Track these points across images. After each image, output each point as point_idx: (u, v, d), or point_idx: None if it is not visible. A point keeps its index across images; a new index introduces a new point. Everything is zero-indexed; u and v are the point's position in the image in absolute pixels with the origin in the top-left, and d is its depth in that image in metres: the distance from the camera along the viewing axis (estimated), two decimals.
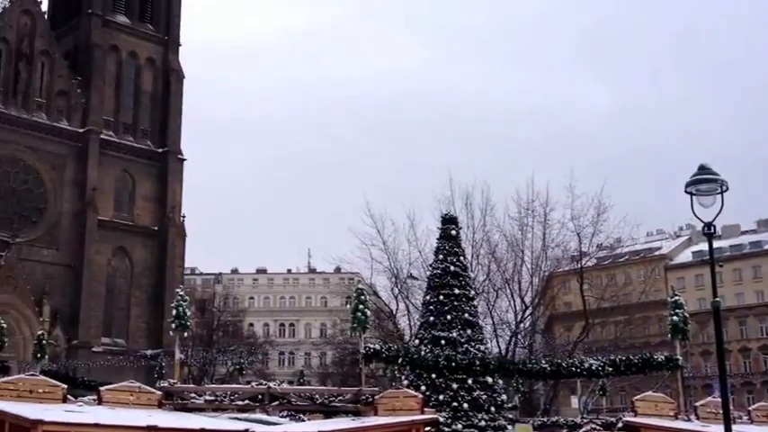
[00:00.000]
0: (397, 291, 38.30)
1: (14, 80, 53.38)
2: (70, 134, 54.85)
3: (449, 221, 25.43)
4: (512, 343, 36.48)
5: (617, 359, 22.06)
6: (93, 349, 52.35)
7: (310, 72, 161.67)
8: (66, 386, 17.06)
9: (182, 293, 23.63)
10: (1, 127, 51.96)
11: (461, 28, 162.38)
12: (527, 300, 36.95)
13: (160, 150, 58.54)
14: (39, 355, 37.88)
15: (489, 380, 22.59)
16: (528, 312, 37.55)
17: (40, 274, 52.13)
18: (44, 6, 57.24)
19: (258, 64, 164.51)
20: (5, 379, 17.43)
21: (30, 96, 53.82)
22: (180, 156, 59.31)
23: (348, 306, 35.31)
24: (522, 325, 37.30)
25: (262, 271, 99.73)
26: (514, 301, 36.66)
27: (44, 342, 38.49)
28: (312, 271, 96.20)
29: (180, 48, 61.16)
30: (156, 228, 57.60)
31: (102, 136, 55.69)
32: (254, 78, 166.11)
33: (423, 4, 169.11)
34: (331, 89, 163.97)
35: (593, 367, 21.25)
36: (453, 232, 25.20)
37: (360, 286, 23.73)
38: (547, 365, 22.11)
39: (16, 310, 49.90)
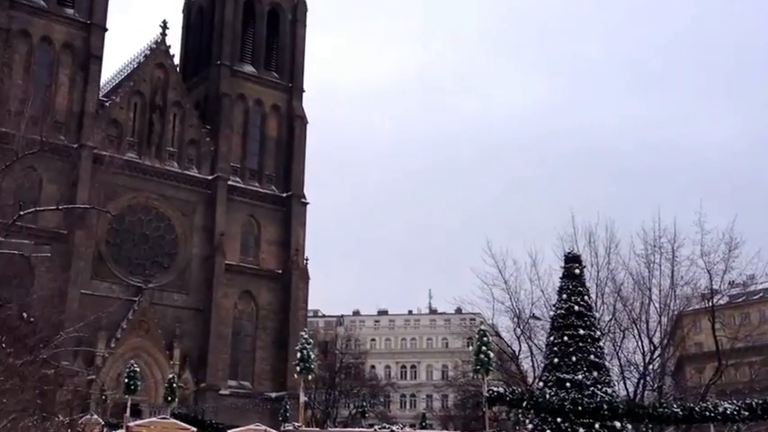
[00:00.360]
0: (519, 331, 37.35)
1: (148, 131, 56.02)
2: (200, 181, 57.00)
3: (572, 260, 24.64)
4: (640, 385, 34.88)
5: (753, 402, 20.70)
6: (221, 392, 53.64)
7: (433, 112, 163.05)
8: (195, 429, 17.42)
9: (306, 336, 23.90)
10: (136, 176, 54.37)
11: (578, 59, 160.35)
12: (655, 340, 35.29)
13: (284, 195, 59.98)
14: (169, 398, 39.08)
15: (617, 425, 21.56)
16: (657, 353, 35.83)
17: (171, 318, 53.91)
18: (176, 59, 59.96)
19: (380, 105, 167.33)
20: (139, 422, 17.98)
21: (162, 146, 56.35)
22: (303, 199, 60.59)
23: (470, 347, 34.76)
24: (650, 367, 35.61)
25: (383, 312, 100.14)
26: (642, 341, 35.09)
27: (174, 385, 39.77)
28: (433, 312, 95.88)
29: (303, 93, 62.87)
30: (280, 271, 58.76)
31: (229, 182, 57.61)
32: (377, 119, 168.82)
33: (533, 39, 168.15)
34: (453, 129, 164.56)
35: (728, 411, 20.03)
36: (577, 271, 24.38)
37: (482, 327, 23.33)
38: (678, 409, 20.97)
39: (148, 354, 51.82)
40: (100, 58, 54.31)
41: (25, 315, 23.98)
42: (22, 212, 26.94)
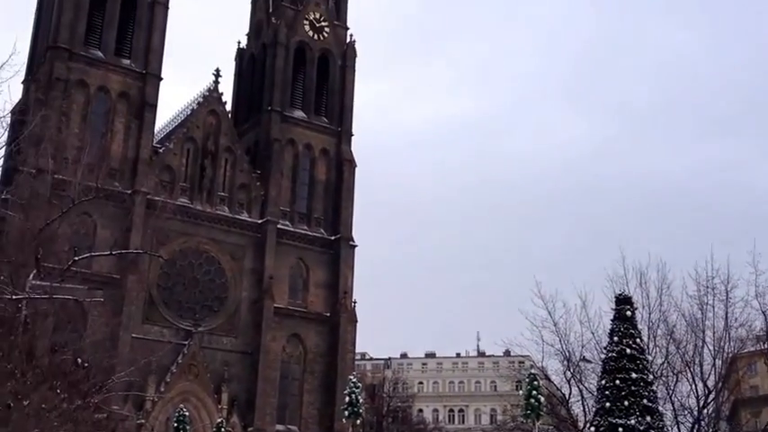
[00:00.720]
0: (569, 374, 36.64)
1: (200, 176, 56.85)
2: (250, 225, 57.50)
3: (623, 302, 24.14)
4: (695, 430, 33.87)
5: None
6: None
7: (478, 155, 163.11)
8: None
9: (354, 380, 23.71)
10: (187, 221, 55.05)
11: (627, 103, 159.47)
12: (710, 384, 34.29)
13: (332, 238, 60.15)
14: None
15: None
16: (711, 397, 34.81)
17: (220, 361, 54.01)
18: (228, 106, 60.95)
19: (426, 149, 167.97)
20: None
21: (213, 191, 57.10)
22: (351, 242, 60.68)
23: (519, 391, 34.14)
24: (705, 411, 34.56)
25: (430, 355, 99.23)
26: (696, 385, 34.13)
27: (222, 429, 39.66)
28: (481, 354, 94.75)
29: (352, 137, 63.37)
30: (328, 314, 58.68)
31: (278, 226, 58.00)
32: (422, 162, 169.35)
33: (584, 84, 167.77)
34: (499, 171, 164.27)
35: None
36: (628, 313, 23.86)
37: (531, 371, 22.90)
38: None
39: (197, 398, 51.89)
40: (154, 106, 55.53)
41: (79, 360, 24.25)
42: (76, 258, 27.46)
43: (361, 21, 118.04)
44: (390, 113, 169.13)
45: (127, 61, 55.85)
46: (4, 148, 23.79)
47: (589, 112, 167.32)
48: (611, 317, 24.06)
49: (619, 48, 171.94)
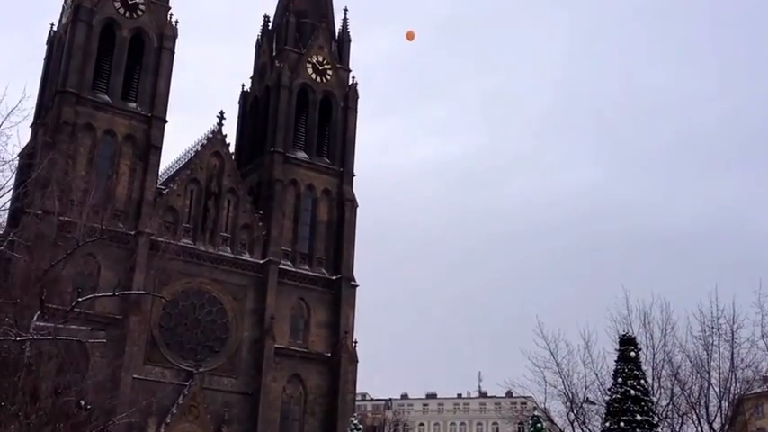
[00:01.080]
0: (573, 416, 36.26)
1: (203, 217, 56.96)
2: (251, 265, 57.44)
3: (627, 342, 24.15)
4: None
5: None
6: None
7: (480, 195, 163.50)
8: None
9: (355, 421, 23.56)
10: (190, 261, 54.93)
11: (630, 142, 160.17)
12: (716, 425, 33.92)
13: (334, 277, 60.04)
14: None
15: None
16: None
17: (220, 402, 53.51)
18: (231, 147, 61.08)
19: (429, 188, 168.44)
20: None
21: (216, 232, 57.13)
22: (352, 282, 60.55)
23: None
24: None
25: (431, 396, 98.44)
26: (702, 427, 33.77)
27: None
28: (483, 395, 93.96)
29: (354, 178, 63.61)
30: (329, 354, 58.33)
31: (280, 266, 57.94)
32: (425, 201, 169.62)
33: (590, 123, 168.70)
34: (505, 207, 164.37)
35: None
36: (632, 354, 23.87)
37: (535, 412, 22.75)
38: None
39: None
40: (159, 149, 55.83)
41: (82, 402, 24.09)
42: (80, 299, 27.42)
43: (365, 63, 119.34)
44: (393, 153, 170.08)
45: (133, 105, 56.31)
46: (11, 191, 23.94)
47: (595, 154, 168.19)
48: (615, 357, 24.04)
49: (618, 90, 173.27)
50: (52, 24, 61.51)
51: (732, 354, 34.00)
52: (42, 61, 61.58)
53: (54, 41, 60.67)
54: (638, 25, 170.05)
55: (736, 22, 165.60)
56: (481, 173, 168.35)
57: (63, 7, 60.76)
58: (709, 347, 34.37)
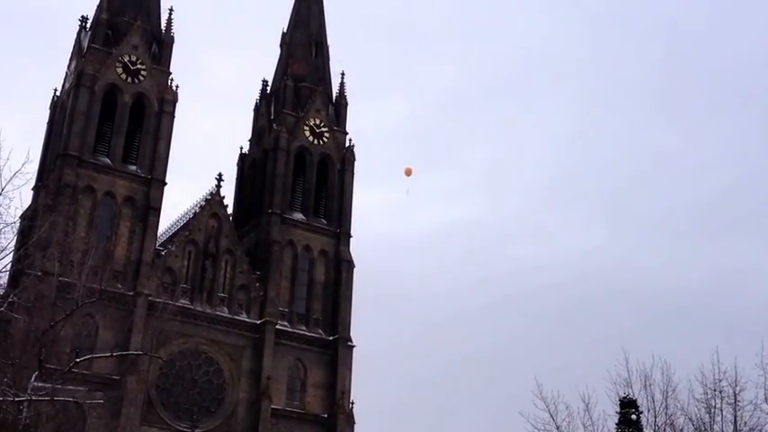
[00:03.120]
0: None
1: (201, 278, 56.98)
2: (248, 326, 57.23)
3: (628, 405, 24.06)
4: None
5: None
6: None
7: (481, 261, 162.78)
8: None
9: None
10: (187, 322, 54.75)
11: (633, 206, 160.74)
12: None
13: (331, 338, 59.76)
14: None
15: None
16: None
17: None
18: (229, 209, 61.39)
19: (431, 255, 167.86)
20: None
21: (214, 292, 57.09)
22: (349, 342, 60.21)
23: None
24: None
25: None
26: None
27: None
28: None
29: (350, 239, 63.77)
30: (325, 415, 57.70)
31: (277, 326, 57.71)
32: (428, 267, 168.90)
33: (597, 186, 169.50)
34: (503, 276, 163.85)
35: None
36: (633, 416, 23.76)
37: None
38: None
39: None
40: (158, 210, 56.17)
41: None
42: (78, 360, 27.44)
43: (370, 132, 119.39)
44: (396, 217, 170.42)
45: (133, 167, 56.83)
46: (12, 253, 24.18)
47: (598, 219, 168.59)
48: (616, 420, 23.82)
49: (623, 156, 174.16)
50: (55, 90, 62.44)
51: (735, 417, 33.54)
52: (45, 125, 62.27)
53: (57, 106, 61.52)
54: (648, 93, 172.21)
55: (745, 92, 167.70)
56: (483, 239, 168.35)
57: (66, 73, 61.77)
58: (712, 410, 33.90)
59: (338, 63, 70.17)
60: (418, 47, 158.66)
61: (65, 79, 61.83)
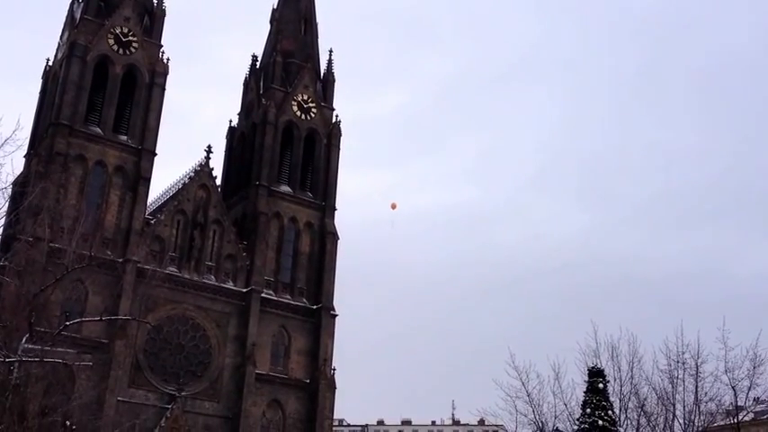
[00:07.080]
0: None
1: (189, 246, 56.49)
2: (235, 294, 56.94)
3: (596, 374, 24.11)
4: None
5: None
6: None
7: (469, 243, 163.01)
8: None
9: None
10: (175, 289, 54.46)
11: (618, 193, 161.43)
12: None
13: (314, 307, 59.62)
14: None
15: None
16: None
17: (201, 425, 52.78)
18: (218, 180, 60.88)
19: (422, 235, 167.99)
20: None
21: (201, 261, 56.65)
22: (332, 311, 60.13)
23: None
24: None
25: (407, 422, 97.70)
26: None
27: None
28: (456, 423, 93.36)
29: (335, 212, 63.44)
30: (308, 380, 57.73)
31: (262, 295, 57.48)
32: (417, 245, 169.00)
33: (582, 175, 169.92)
34: (489, 259, 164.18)
35: None
36: (601, 385, 23.81)
37: None
38: None
39: None
40: (148, 180, 55.45)
41: (68, 423, 23.65)
42: (67, 323, 27.01)
43: (372, 122, 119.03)
44: (388, 199, 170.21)
45: (124, 137, 56.00)
46: (4, 218, 23.65)
47: (582, 205, 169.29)
48: (584, 389, 23.90)
49: (609, 146, 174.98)
50: (48, 60, 61.27)
51: (696, 387, 33.99)
52: (37, 94, 61.22)
53: (49, 76, 60.42)
54: (632, 87, 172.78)
55: (726, 86, 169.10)
56: (472, 223, 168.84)
57: (59, 44, 60.63)
58: (675, 381, 34.35)
59: (338, 63, 69.07)
60: (415, 38, 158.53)
61: (57, 49, 60.67)
